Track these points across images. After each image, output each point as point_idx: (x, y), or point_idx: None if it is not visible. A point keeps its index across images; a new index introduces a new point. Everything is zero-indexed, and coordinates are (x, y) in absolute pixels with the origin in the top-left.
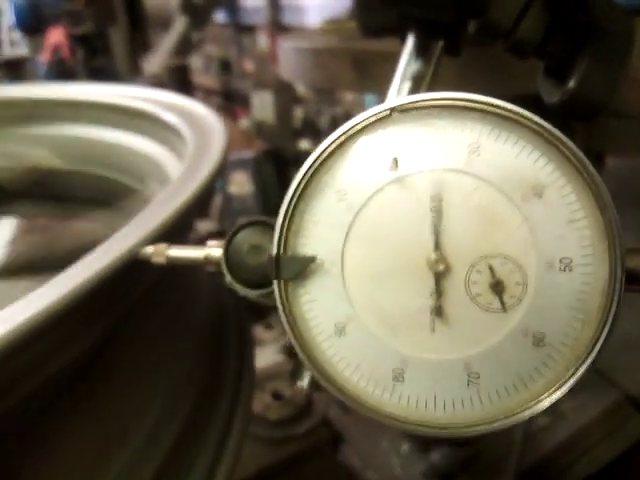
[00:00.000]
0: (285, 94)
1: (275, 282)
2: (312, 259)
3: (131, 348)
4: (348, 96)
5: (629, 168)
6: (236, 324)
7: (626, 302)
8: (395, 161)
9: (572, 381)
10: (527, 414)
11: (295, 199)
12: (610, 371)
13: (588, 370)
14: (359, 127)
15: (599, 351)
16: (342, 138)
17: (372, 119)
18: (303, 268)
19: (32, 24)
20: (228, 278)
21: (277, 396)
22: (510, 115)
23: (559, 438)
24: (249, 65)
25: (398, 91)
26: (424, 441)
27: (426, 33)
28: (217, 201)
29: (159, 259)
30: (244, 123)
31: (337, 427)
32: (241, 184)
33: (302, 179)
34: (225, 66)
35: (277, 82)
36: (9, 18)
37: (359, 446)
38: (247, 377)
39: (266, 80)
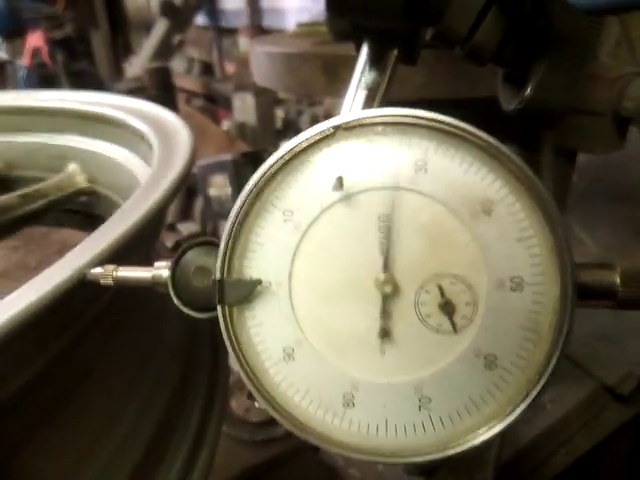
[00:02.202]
0: (266, 95)
1: (219, 307)
2: (258, 282)
3: (103, 353)
4: (327, 100)
5: (600, 164)
6: (209, 326)
7: None
8: (340, 180)
9: (524, 405)
10: (479, 440)
11: (239, 220)
12: (587, 362)
13: (540, 394)
14: (303, 145)
15: (550, 374)
16: (286, 157)
17: (316, 137)
18: (248, 292)
19: (11, 28)
20: (175, 301)
21: None
22: (457, 131)
23: (538, 429)
24: (230, 67)
25: (353, 101)
26: None
27: (379, 43)
28: (198, 203)
29: (107, 281)
30: (226, 125)
31: None
32: (220, 186)
33: (246, 199)
34: (206, 68)
35: (258, 84)
36: None
37: None
38: (222, 379)
39: (247, 82)
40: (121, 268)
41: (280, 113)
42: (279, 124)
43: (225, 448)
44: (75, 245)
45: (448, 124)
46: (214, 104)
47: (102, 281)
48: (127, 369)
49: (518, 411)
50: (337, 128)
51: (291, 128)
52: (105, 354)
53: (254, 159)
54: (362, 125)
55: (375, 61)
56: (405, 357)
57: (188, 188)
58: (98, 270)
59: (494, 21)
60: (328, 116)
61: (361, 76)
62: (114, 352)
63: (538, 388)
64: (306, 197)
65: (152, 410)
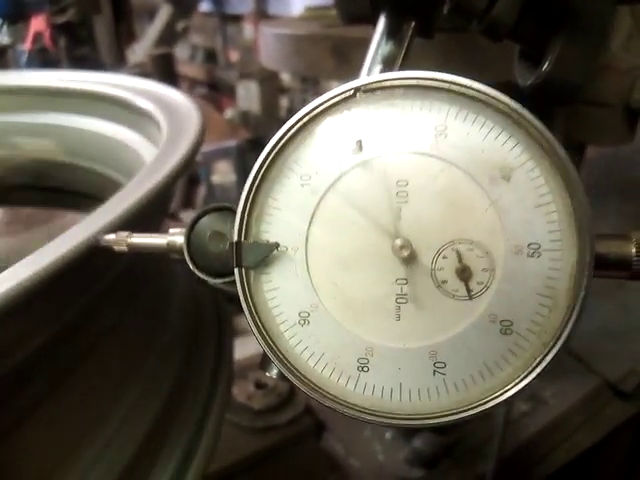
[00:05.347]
0: (270, 84)
1: (236, 270)
2: (275, 246)
3: (107, 335)
4: (334, 85)
5: (610, 157)
6: (214, 313)
7: (607, 292)
8: (359, 144)
9: (539, 369)
10: (493, 403)
11: (257, 184)
12: (590, 358)
13: (555, 358)
14: (323, 108)
15: (566, 339)
16: (305, 119)
17: (336, 99)
18: (265, 255)
19: (13, 12)
20: (190, 266)
21: (260, 385)
22: (478, 95)
23: (540, 424)
24: (234, 55)
25: (368, 74)
26: (407, 428)
27: (398, 13)
28: (201, 191)
29: (121, 247)
30: (229, 113)
31: (320, 415)
32: (224, 173)
33: (264, 162)
34: (210, 56)
35: (262, 72)
36: None
37: (342, 434)
38: (225, 366)
39: (251, 70)
40: (135, 235)
41: (284, 102)
42: (283, 113)
43: (226, 435)
44: None
45: (470, 87)
46: (217, 92)
47: (116, 247)
48: (130, 351)
49: (533, 375)
50: (357, 90)
51: None
52: (108, 334)
53: (259, 145)
54: (383, 88)
55: (392, 33)
56: (420, 322)
57: (190, 176)
58: (111, 236)
59: None
60: None
61: (377, 49)
62: (117, 332)
63: (553, 353)
64: (324, 161)
65: (154, 394)
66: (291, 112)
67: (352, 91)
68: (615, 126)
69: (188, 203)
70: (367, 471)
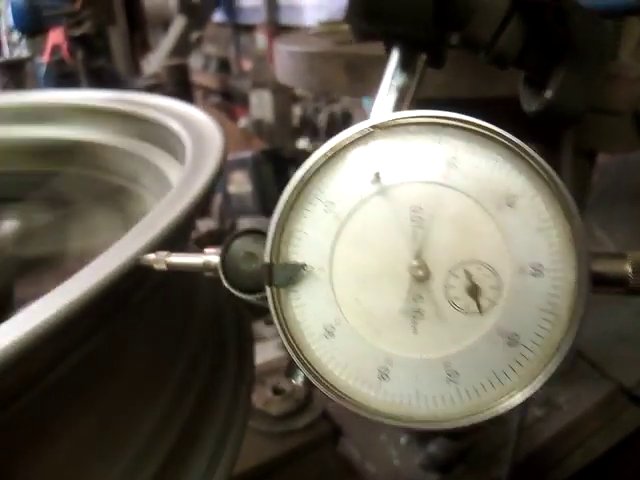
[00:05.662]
0: (283, 93)
1: (268, 288)
2: (302, 266)
3: (131, 347)
4: (347, 99)
5: (620, 165)
6: (235, 321)
7: (622, 298)
8: (377, 175)
9: (542, 378)
10: (501, 409)
11: (286, 211)
12: (605, 363)
13: (558, 368)
14: (345, 143)
15: (567, 350)
16: (329, 154)
17: (356, 136)
18: (294, 275)
19: (31, 25)
20: (225, 284)
21: (278, 391)
22: (484, 131)
23: (554, 429)
24: (247, 64)
25: (383, 104)
26: (422, 433)
27: (409, 48)
28: (217, 200)
29: (160, 266)
30: (243, 122)
31: (337, 420)
32: (240, 183)
33: (292, 192)
34: (224, 65)
35: (275, 81)
36: (8, 19)
37: (358, 439)
38: (247, 373)
39: (264, 79)
40: (173, 254)
41: (297, 111)
42: (296, 122)
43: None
44: None
45: (476, 124)
46: (231, 101)
47: (156, 266)
48: (154, 364)
49: (536, 383)
50: (375, 127)
51: (308, 126)
52: (133, 348)
53: (274, 156)
54: (397, 125)
55: (405, 65)
56: (435, 335)
57: None
58: (152, 256)
59: (516, 29)
60: (345, 114)
61: (392, 80)
62: (142, 346)
63: (555, 363)
64: (346, 190)
65: (181, 406)
66: (304, 121)
67: (370, 129)
68: (625, 134)
69: (204, 212)
70: (383, 475)
